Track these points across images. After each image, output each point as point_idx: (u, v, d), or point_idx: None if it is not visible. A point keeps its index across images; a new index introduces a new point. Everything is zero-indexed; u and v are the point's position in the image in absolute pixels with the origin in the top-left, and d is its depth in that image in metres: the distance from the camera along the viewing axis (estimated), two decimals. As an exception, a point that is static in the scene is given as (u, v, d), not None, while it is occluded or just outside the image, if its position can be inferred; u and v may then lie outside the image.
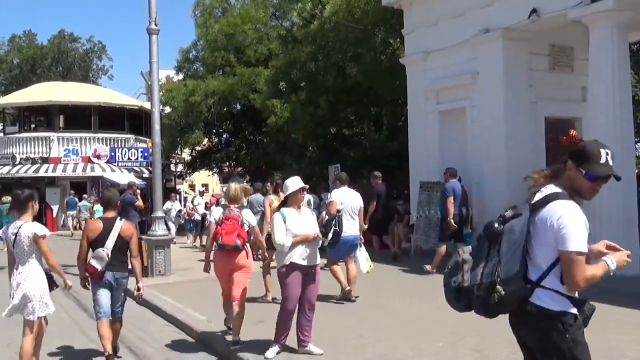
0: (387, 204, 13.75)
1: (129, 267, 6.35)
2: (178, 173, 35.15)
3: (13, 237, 5.60)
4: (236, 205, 6.89)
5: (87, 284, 6.22)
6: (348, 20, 18.44)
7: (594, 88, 10.69)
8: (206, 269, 6.98)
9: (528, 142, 12.38)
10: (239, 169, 30.85)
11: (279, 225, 6.05)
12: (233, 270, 6.59)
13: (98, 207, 19.06)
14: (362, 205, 9.29)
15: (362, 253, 9.03)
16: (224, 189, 10.82)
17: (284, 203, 6.32)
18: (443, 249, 10.96)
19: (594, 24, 10.45)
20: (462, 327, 7.03)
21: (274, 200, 9.46)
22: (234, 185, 7.06)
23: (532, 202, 2.94)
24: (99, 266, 6.03)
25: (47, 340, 7.39)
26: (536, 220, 2.88)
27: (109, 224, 6.18)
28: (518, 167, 12.06)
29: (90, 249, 6.16)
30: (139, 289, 6.33)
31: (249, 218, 6.79)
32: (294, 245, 5.98)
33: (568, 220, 2.79)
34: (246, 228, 6.63)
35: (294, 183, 6.24)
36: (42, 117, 31.37)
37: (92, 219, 15.14)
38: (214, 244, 6.69)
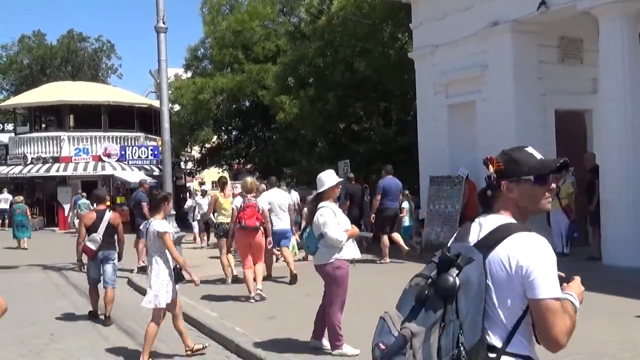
0: (361, 203, 14.01)
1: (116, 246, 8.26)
2: (188, 171, 35.28)
3: (145, 232, 6.42)
4: (252, 195, 9.04)
5: (82, 266, 8.19)
6: (356, 15, 18.40)
7: (604, 80, 10.62)
8: (230, 244, 10.22)
9: (538, 135, 12.29)
10: (249, 165, 30.90)
11: (332, 220, 5.92)
12: (251, 245, 8.89)
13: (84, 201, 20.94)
14: (291, 203, 11.30)
15: (290, 242, 11.00)
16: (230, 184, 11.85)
17: (320, 198, 6.15)
18: (385, 239, 12.09)
19: (604, 15, 10.38)
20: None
21: (219, 197, 11.24)
22: (249, 179, 9.35)
23: (476, 240, 2.22)
24: (93, 247, 7.89)
25: (59, 338, 7.49)
26: (490, 262, 2.13)
27: (100, 215, 8.05)
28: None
29: (87, 234, 7.92)
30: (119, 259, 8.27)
31: (263, 204, 9.10)
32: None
33: (538, 258, 2.09)
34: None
35: (330, 178, 6.13)
36: (53, 116, 31.55)
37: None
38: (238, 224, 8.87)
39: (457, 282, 2.09)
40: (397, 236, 12.26)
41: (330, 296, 6.04)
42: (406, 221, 12.73)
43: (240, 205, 8.87)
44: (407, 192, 13.68)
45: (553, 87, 12.60)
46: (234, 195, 10.85)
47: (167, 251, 6.17)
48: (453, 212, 13.07)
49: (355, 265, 6.17)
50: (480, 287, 2.09)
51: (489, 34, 12.61)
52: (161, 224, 6.20)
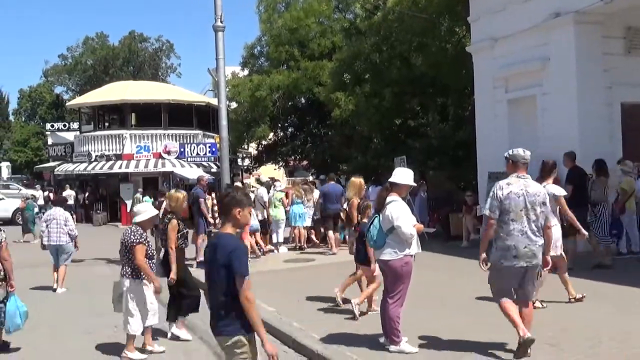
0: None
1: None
2: (245, 167, 35.74)
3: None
4: None
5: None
6: (412, 10, 18.19)
7: (674, 71, 10.16)
8: None
9: (603, 130, 11.89)
10: (305, 162, 31.06)
11: (407, 215, 5.99)
12: None
13: (147, 199, 22.44)
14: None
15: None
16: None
17: (390, 190, 6.17)
18: (330, 233, 13.94)
19: (674, 4, 9.94)
20: (536, 319, 6.85)
21: None
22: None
23: None
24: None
25: (122, 329, 7.70)
26: None
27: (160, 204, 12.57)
28: (592, 156, 11.60)
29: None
30: None
31: None
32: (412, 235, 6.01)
33: None
34: None
35: (404, 177, 6.17)
36: (115, 115, 32.51)
37: None
38: None
39: None
40: (334, 236, 13.87)
41: (392, 291, 6.02)
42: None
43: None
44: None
45: (619, 80, 12.11)
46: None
47: (557, 209, 7.41)
48: (513, 208, 12.78)
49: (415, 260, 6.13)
50: None
51: (551, 25, 12.25)
52: (557, 187, 7.63)
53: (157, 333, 7.16)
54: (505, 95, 13.74)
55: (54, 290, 10.68)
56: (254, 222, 14.83)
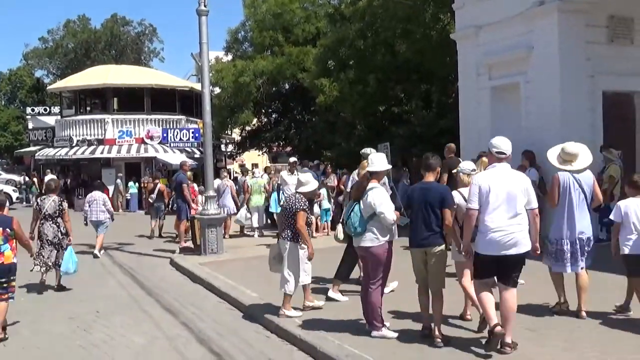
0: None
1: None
2: (228, 153, 35.60)
3: None
4: None
5: (147, 210, 16.84)
6: (397, -4, 18.14)
7: (655, 60, 10.25)
8: None
9: (585, 118, 11.97)
10: (288, 148, 31.01)
11: (389, 201, 6.04)
12: None
13: (132, 184, 25.92)
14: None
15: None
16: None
17: (369, 180, 6.17)
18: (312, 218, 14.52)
19: (657, -7, 10.00)
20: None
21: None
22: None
23: None
24: (151, 200, 15.85)
25: (105, 315, 7.68)
26: None
27: (155, 184, 15.94)
28: (574, 143, 11.72)
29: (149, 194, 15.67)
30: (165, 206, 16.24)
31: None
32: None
33: None
34: None
35: (381, 164, 6.21)
36: (97, 99, 32.14)
37: (127, 194, 26.07)
38: None
39: None
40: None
41: (374, 277, 6.04)
42: (324, 205, 14.86)
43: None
44: (324, 181, 15.51)
45: (601, 69, 12.17)
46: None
47: None
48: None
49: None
50: None
51: (535, 13, 12.27)
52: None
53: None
54: (489, 83, 13.78)
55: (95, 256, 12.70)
56: (231, 205, 14.98)
